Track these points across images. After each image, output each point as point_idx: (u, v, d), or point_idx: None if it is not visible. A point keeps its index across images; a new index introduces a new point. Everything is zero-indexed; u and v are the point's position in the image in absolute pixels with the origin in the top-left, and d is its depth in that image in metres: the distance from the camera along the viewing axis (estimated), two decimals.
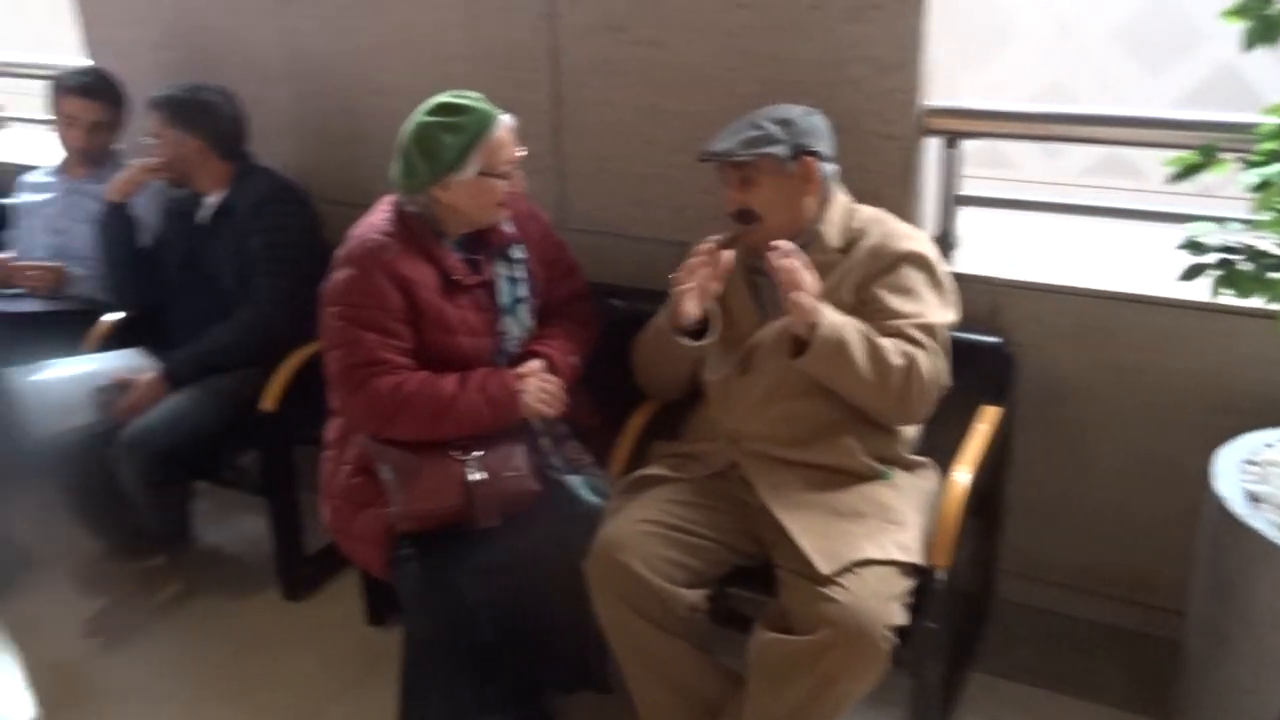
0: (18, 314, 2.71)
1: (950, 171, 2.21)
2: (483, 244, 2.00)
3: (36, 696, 2.06)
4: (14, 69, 3.53)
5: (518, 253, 2.04)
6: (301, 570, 2.58)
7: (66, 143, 2.82)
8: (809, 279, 1.75)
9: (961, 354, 1.91)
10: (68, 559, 2.67)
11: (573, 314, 2.14)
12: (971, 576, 2.23)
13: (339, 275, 1.93)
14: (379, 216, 1.96)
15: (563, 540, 1.86)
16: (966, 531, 1.82)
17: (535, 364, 1.99)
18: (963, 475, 1.83)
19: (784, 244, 1.77)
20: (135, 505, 2.41)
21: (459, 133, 1.86)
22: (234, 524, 2.85)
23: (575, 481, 2.00)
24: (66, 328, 2.66)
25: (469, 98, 1.91)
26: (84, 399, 2.39)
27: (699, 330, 1.92)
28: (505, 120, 1.92)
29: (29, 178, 2.95)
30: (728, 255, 1.86)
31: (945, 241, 2.25)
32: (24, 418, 2.34)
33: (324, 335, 1.95)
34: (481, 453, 1.89)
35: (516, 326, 2.03)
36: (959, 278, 2.00)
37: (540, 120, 2.47)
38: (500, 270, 2.01)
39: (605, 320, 2.20)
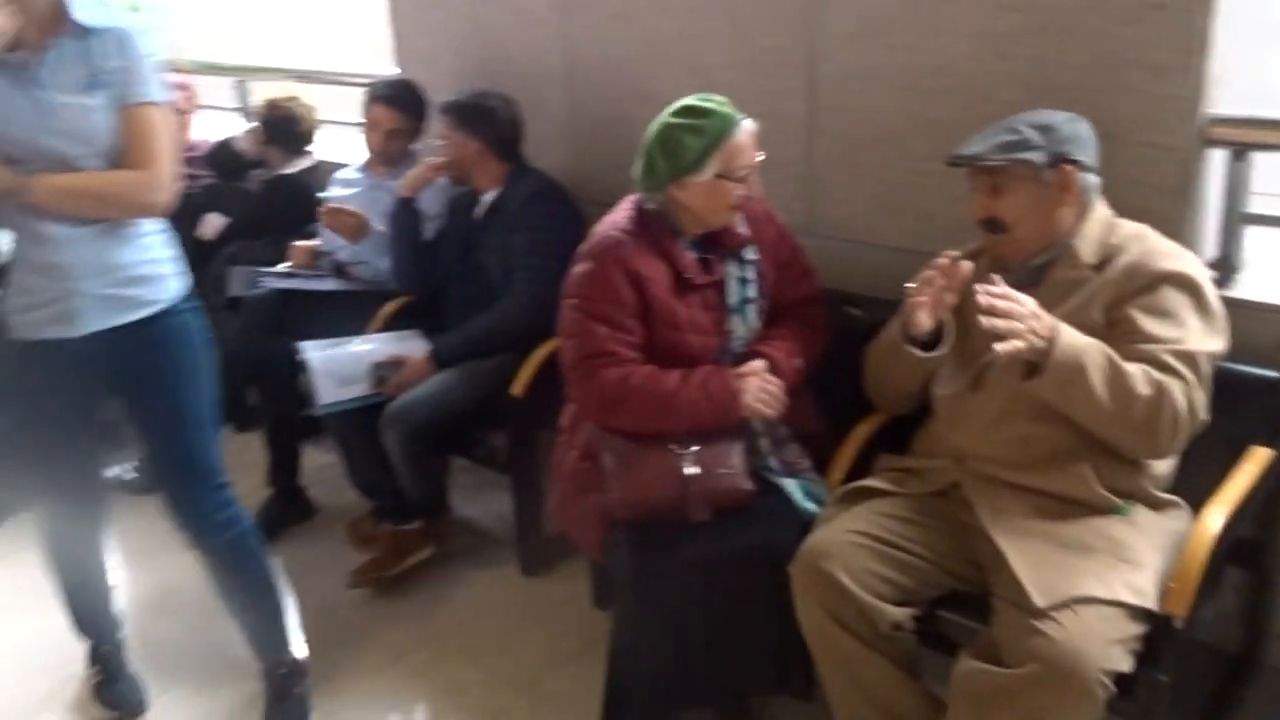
0: (317, 292, 3.04)
1: (1236, 187, 2.01)
2: (716, 244, 2.03)
3: (305, 635, 2.30)
4: (337, 77, 3.96)
5: (750, 254, 2.05)
6: (539, 549, 2.72)
7: (369, 145, 3.12)
8: (1024, 323, 1.61)
9: (1231, 387, 1.74)
10: (341, 514, 2.96)
11: (802, 317, 2.13)
12: (1231, 634, 2.01)
13: (578, 269, 2.02)
14: (621, 214, 2.04)
15: (771, 542, 1.86)
16: (1222, 582, 1.64)
17: (758, 364, 2.00)
18: (1215, 518, 1.65)
19: (993, 289, 1.65)
20: (399, 473, 2.64)
21: (700, 135, 1.91)
22: (486, 500, 3.05)
23: (791, 485, 1.99)
24: (357, 308, 2.95)
25: (714, 101, 1.95)
26: (364, 372, 2.66)
27: (932, 342, 1.85)
28: (746, 125, 1.95)
29: (340, 174, 3.29)
30: (965, 267, 1.78)
31: (1227, 264, 2.04)
32: (312, 385, 2.62)
33: (561, 325, 2.05)
34: (698, 448, 1.92)
35: (743, 327, 2.05)
36: (1241, 304, 1.82)
37: (795, 126, 2.48)
38: (731, 270, 2.03)
39: (841, 328, 2.17)
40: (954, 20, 2.17)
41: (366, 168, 3.20)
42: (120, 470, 3.14)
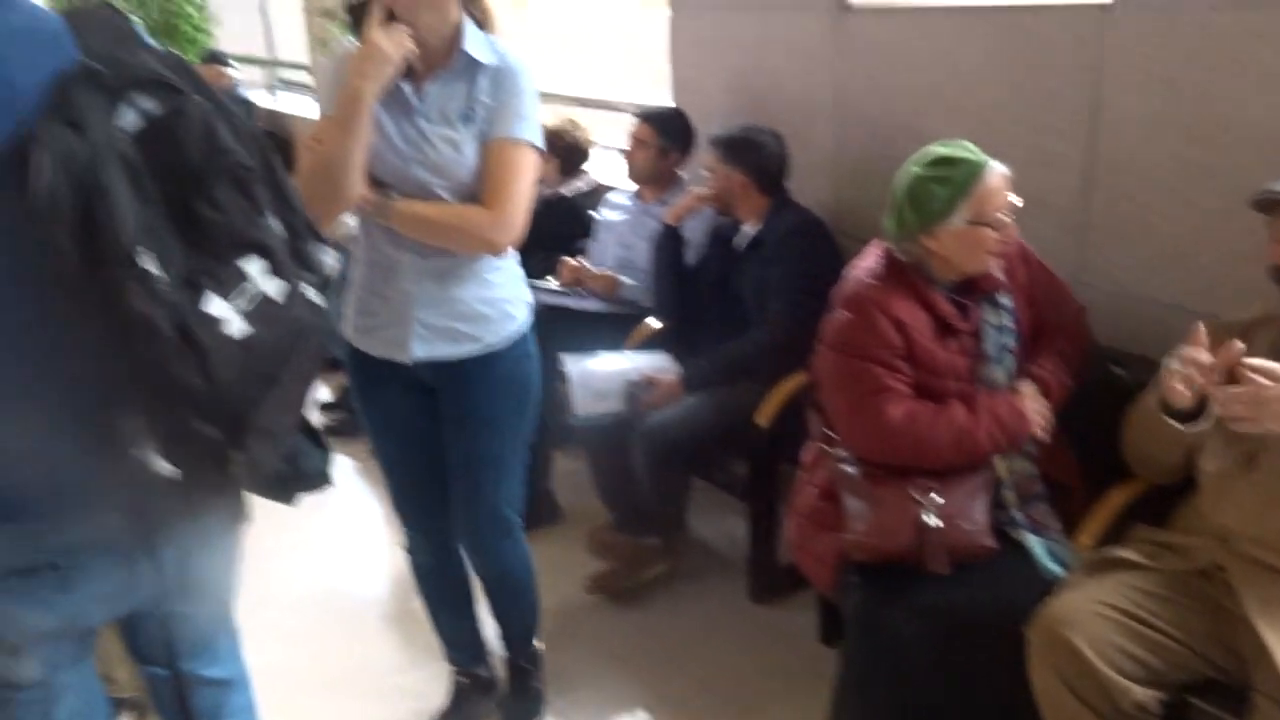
0: (581, 311, 3.21)
1: None
2: (972, 290, 2.01)
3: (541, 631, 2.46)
4: (613, 104, 4.17)
5: (1005, 300, 2.02)
6: (771, 577, 2.76)
7: (630, 163, 3.26)
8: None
9: None
10: (584, 521, 3.12)
11: (1064, 331, 2.10)
12: None
13: (838, 317, 2.05)
14: (871, 260, 2.06)
15: (1010, 601, 1.81)
16: None
17: (1028, 386, 1.99)
18: None
19: (1255, 362, 1.53)
20: (642, 488, 2.75)
21: (947, 184, 1.91)
22: (721, 523, 3.12)
23: (1035, 544, 1.93)
24: (616, 327, 3.11)
25: (962, 149, 1.95)
26: (618, 389, 2.79)
27: (1194, 413, 1.75)
28: (997, 169, 1.93)
29: (611, 197, 3.47)
30: (1236, 350, 1.63)
31: None
32: (569, 397, 2.78)
33: (823, 374, 2.09)
34: (941, 500, 1.90)
35: (1002, 374, 2.02)
36: None
37: (1069, 172, 2.40)
38: (988, 318, 2.01)
39: (1103, 385, 2.09)
40: (1249, 63, 2.04)
41: (636, 194, 3.35)
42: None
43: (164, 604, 1.45)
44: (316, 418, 3.53)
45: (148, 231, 1.14)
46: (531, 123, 1.87)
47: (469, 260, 1.92)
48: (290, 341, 1.27)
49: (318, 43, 5.01)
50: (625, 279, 3.20)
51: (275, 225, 1.26)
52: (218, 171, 1.21)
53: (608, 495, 2.89)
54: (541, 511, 3.21)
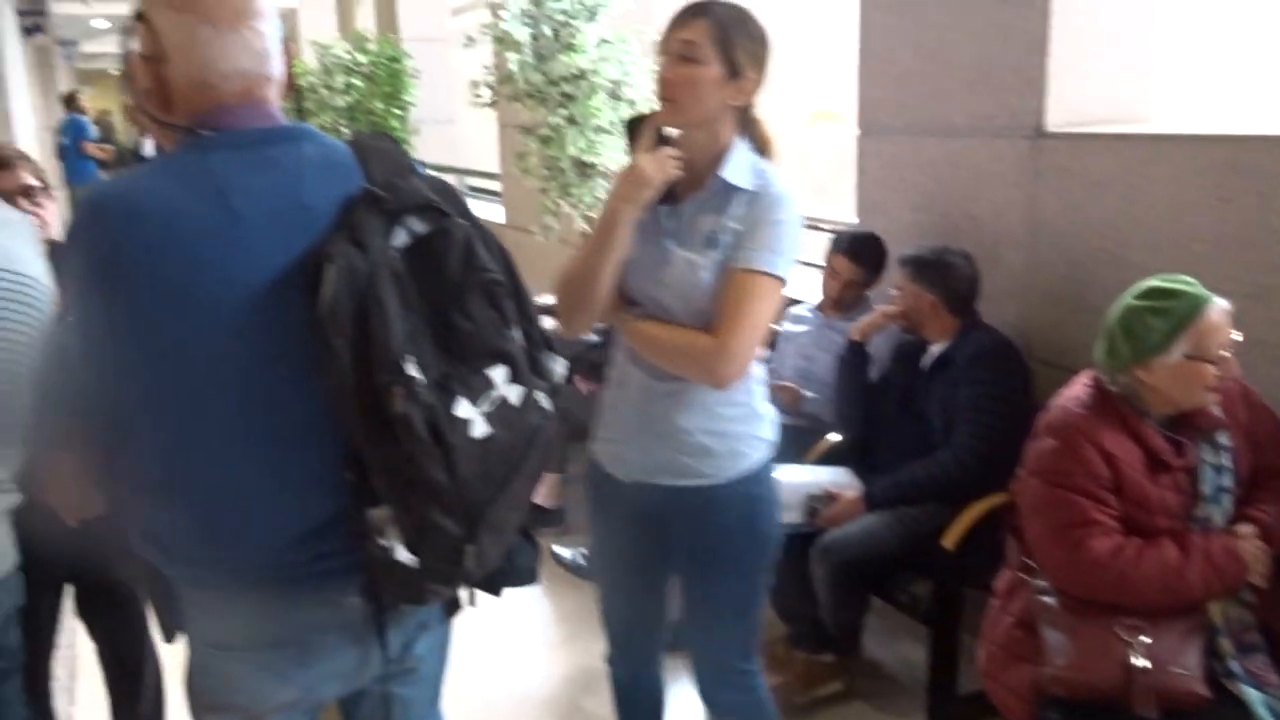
0: None
1: None
2: (1188, 425, 1.96)
3: None
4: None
5: (1224, 439, 1.95)
6: (951, 706, 2.67)
7: (825, 290, 3.32)
8: None
9: None
10: (761, 634, 3.09)
11: None
12: None
13: (1043, 445, 2.02)
14: (1080, 389, 2.03)
15: None
16: None
17: (1246, 528, 1.91)
18: None
19: None
20: (819, 604, 2.73)
21: (1165, 316, 1.88)
22: (898, 645, 3.05)
23: (1255, 698, 1.82)
24: (795, 439, 3.12)
25: (1181, 282, 1.92)
26: (797, 502, 2.80)
27: None
28: (1219, 304, 1.89)
29: (795, 309, 3.53)
30: None
31: None
32: None
33: (1025, 501, 2.05)
34: (1150, 640, 1.83)
35: (1219, 515, 1.95)
36: None
37: None
38: (1206, 456, 1.94)
39: None
40: None
41: (820, 307, 3.40)
42: (572, 553, 3.52)
43: (385, 684, 1.53)
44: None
45: (411, 339, 1.26)
46: (778, 255, 1.77)
47: (698, 388, 1.83)
48: (524, 444, 1.36)
49: (514, 156, 5.32)
50: (807, 392, 3.23)
51: (518, 336, 1.37)
52: (473, 286, 1.32)
53: (784, 609, 2.87)
54: None
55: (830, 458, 3.05)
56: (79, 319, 1.31)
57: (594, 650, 3.00)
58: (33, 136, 5.66)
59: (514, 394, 1.33)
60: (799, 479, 2.87)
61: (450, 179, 8.53)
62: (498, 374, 1.32)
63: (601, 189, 4.96)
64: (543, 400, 1.39)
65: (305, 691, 1.43)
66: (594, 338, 3.96)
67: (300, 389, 1.29)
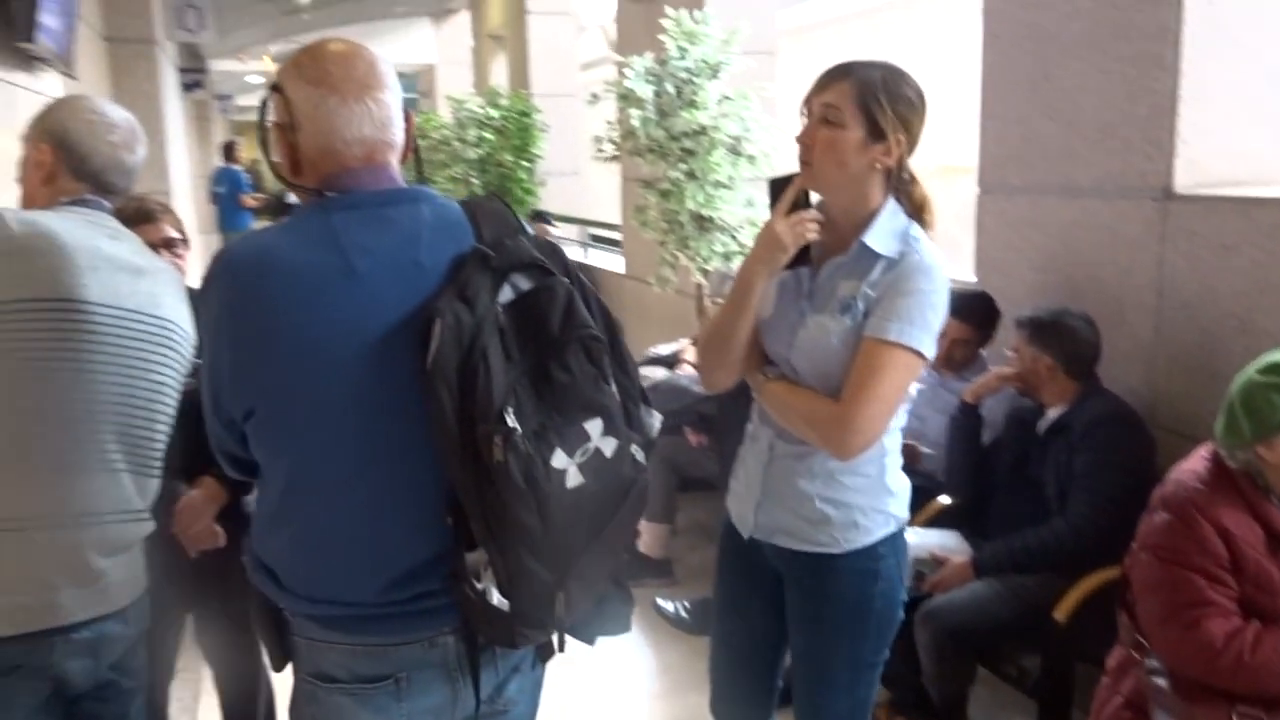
0: None
1: None
2: None
3: None
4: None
5: None
6: None
7: (942, 354, 3.27)
8: None
9: None
10: None
11: None
12: None
13: (1158, 519, 1.95)
14: (1198, 463, 1.96)
15: None
16: None
17: None
18: None
19: None
20: (923, 670, 2.66)
21: None
22: (1005, 717, 2.94)
23: None
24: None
25: None
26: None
27: None
28: None
29: None
30: None
31: None
32: None
33: (1138, 578, 1.99)
34: None
35: None
36: None
37: None
38: None
39: None
40: None
41: (932, 366, 3.35)
42: (675, 605, 3.53)
43: None
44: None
45: (512, 390, 1.31)
46: (913, 326, 1.72)
47: (823, 454, 1.81)
48: (616, 495, 1.40)
49: (634, 208, 5.42)
50: (924, 448, 3.17)
51: (614, 390, 1.40)
52: (573, 341, 1.37)
53: (887, 674, 2.80)
54: None
55: (940, 520, 2.99)
56: (209, 362, 1.41)
57: (693, 703, 3.02)
58: (187, 184, 6.07)
59: (608, 446, 1.37)
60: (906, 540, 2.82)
61: (573, 229, 8.77)
62: (593, 426, 1.36)
63: (719, 243, 5.01)
64: (636, 453, 1.43)
65: None
66: (703, 390, 3.98)
67: (409, 436, 1.35)
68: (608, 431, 1.37)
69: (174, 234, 2.29)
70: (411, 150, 1.51)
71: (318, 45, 1.44)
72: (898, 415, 1.82)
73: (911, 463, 3.11)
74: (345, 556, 1.40)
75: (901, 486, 1.91)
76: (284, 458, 1.39)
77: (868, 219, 1.78)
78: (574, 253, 8.52)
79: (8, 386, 1.62)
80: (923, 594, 2.67)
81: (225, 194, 11.46)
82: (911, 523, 2.92)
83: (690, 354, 4.52)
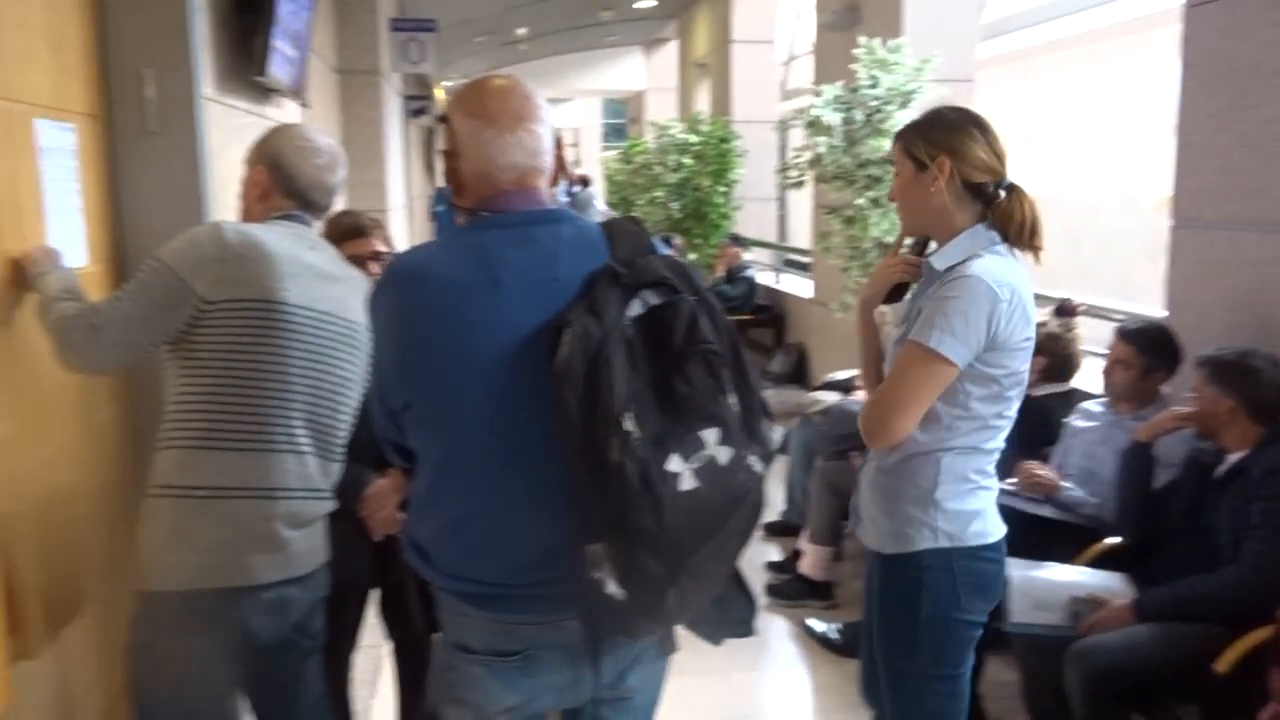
0: (1034, 516, 3.13)
1: None
2: None
3: None
4: (1101, 311, 4.07)
5: None
6: None
7: (1106, 378, 3.17)
8: None
9: None
10: None
11: None
12: None
13: None
14: None
15: None
16: None
17: None
18: None
19: None
20: (1074, 711, 2.60)
21: None
22: None
23: None
24: (1068, 538, 3.00)
25: None
26: (1061, 603, 2.69)
27: None
28: None
29: (1086, 405, 3.38)
30: None
31: None
32: (1008, 600, 2.73)
33: None
34: None
35: None
36: None
37: None
38: None
39: None
40: None
41: (1110, 404, 3.25)
42: (826, 628, 3.56)
43: (598, 708, 1.69)
44: (761, 575, 3.83)
45: (633, 398, 1.43)
46: (937, 330, 1.84)
47: (890, 460, 1.98)
48: (730, 501, 1.49)
49: (820, 235, 5.48)
50: (1065, 484, 3.08)
51: (733, 402, 1.50)
52: (694, 355, 1.48)
53: (1037, 710, 2.75)
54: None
55: (1104, 561, 2.89)
56: (376, 359, 1.61)
57: None
58: (401, 203, 6.57)
59: (723, 455, 1.47)
60: (1064, 578, 2.76)
61: (768, 254, 8.87)
62: (710, 435, 1.46)
63: None
64: (754, 464, 1.52)
65: (526, 700, 1.62)
66: None
67: (541, 435, 1.49)
68: (724, 441, 1.47)
69: (381, 248, 2.55)
70: (562, 173, 1.67)
71: (480, 81, 1.62)
72: (958, 431, 1.93)
73: (1047, 494, 3.04)
74: (483, 540, 1.56)
75: (961, 509, 1.96)
76: (434, 447, 1.57)
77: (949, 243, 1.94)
78: (766, 277, 8.60)
79: (219, 375, 1.88)
80: (1078, 634, 2.60)
81: (443, 212, 12.26)
82: (1074, 561, 2.88)
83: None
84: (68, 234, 2.13)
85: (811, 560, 3.99)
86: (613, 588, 1.46)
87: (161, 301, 1.84)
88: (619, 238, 1.57)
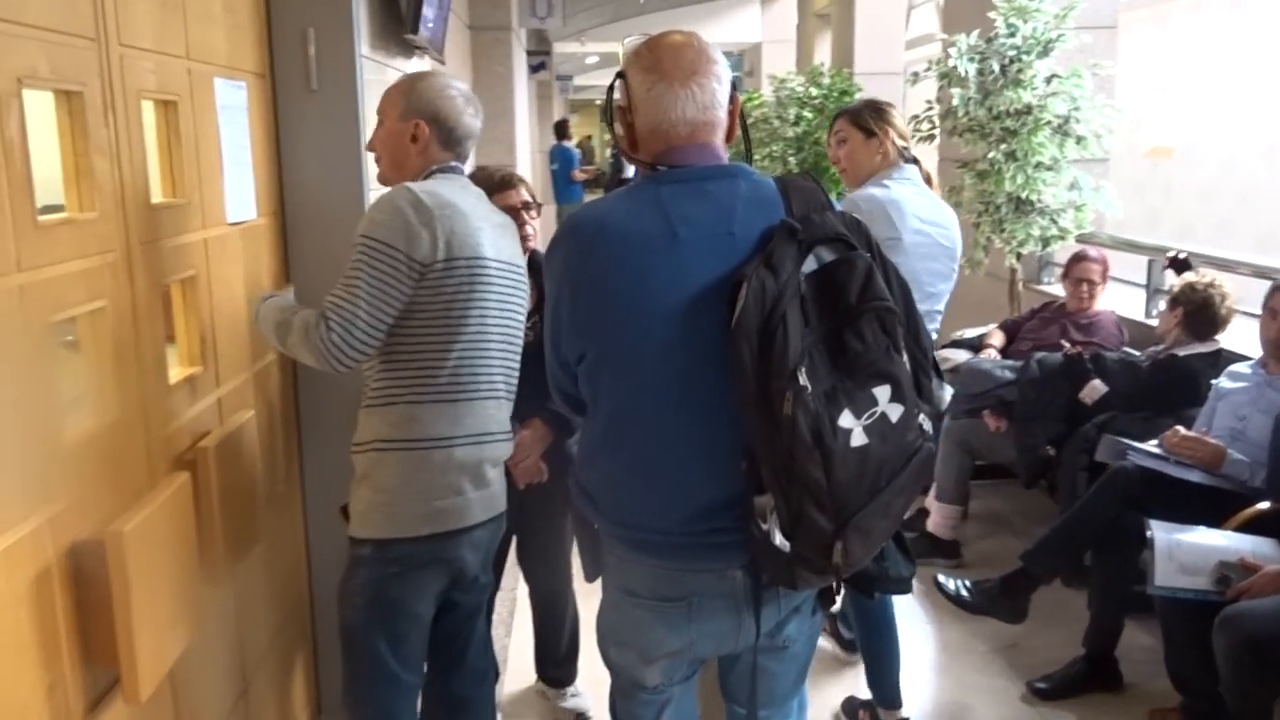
0: (1181, 480, 3.04)
1: None
2: None
3: None
4: (1263, 270, 3.89)
5: None
6: None
7: (1263, 335, 3.05)
8: None
9: None
10: (1147, 698, 2.94)
11: None
12: None
13: None
14: None
15: None
16: None
17: None
18: None
19: None
20: (1221, 678, 2.54)
21: None
22: None
23: None
24: (1214, 502, 2.91)
25: None
26: (1208, 567, 2.63)
27: None
28: None
29: (1235, 367, 3.27)
30: None
31: None
32: (1152, 563, 2.68)
33: None
34: None
35: None
36: None
37: None
38: None
39: None
40: None
41: (1261, 364, 3.13)
42: (956, 584, 3.53)
43: (756, 655, 1.73)
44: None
45: (807, 353, 1.45)
46: None
47: None
48: (899, 458, 1.50)
49: (949, 189, 5.35)
50: (1234, 454, 2.99)
51: (905, 360, 1.51)
52: (868, 312, 1.49)
53: (1178, 677, 2.71)
54: (1097, 676, 3.09)
55: (1255, 527, 2.80)
56: (552, 310, 1.66)
57: (967, 682, 3.04)
58: (528, 159, 6.66)
59: (894, 412, 1.48)
60: (1213, 543, 2.69)
61: None
62: (881, 392, 1.47)
63: (1037, 226, 4.86)
64: (924, 422, 1.53)
65: (687, 644, 1.68)
66: (1008, 375, 3.92)
67: (714, 387, 1.52)
68: (895, 398, 1.48)
69: (528, 198, 2.62)
70: (737, 129, 1.68)
71: (657, 37, 1.65)
72: None
73: (1214, 465, 2.95)
74: (652, 488, 1.61)
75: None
76: (607, 396, 1.62)
77: None
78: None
79: (437, 334, 1.97)
80: (1226, 600, 2.54)
81: (558, 170, 12.37)
82: (1223, 526, 2.81)
83: (996, 339, 4.45)
84: (239, 187, 2.24)
85: (938, 518, 3.96)
86: (779, 539, 1.49)
87: (392, 277, 1.90)
88: (795, 194, 1.58)
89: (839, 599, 1.71)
